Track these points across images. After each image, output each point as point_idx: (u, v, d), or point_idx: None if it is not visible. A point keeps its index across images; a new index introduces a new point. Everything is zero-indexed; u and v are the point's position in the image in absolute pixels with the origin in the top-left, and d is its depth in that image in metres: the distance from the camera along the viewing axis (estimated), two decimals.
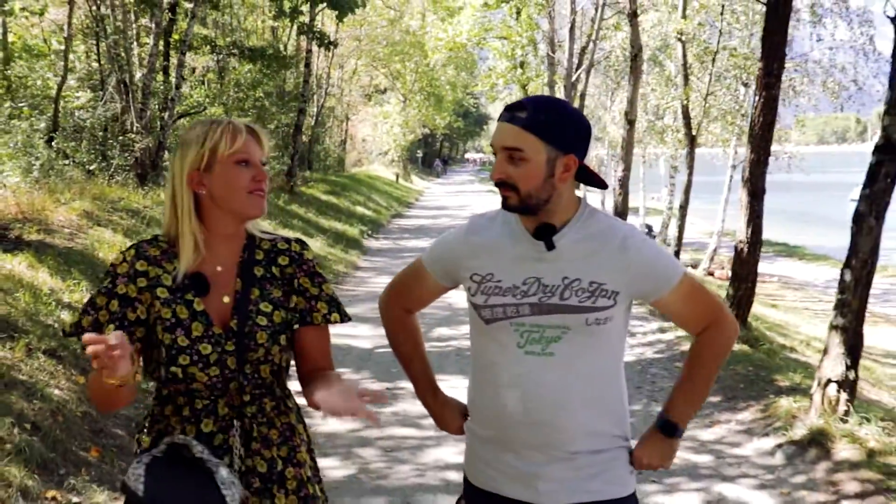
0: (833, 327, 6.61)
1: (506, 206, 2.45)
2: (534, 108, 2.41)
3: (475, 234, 2.62)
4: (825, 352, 6.66)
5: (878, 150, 6.36)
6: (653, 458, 2.57)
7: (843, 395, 6.37)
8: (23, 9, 19.42)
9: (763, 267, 26.19)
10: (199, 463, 2.26)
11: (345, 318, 2.54)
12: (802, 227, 37.80)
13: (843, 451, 5.96)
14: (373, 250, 20.74)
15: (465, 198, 44.19)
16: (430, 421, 6.85)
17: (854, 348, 6.47)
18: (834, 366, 6.46)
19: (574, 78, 26.07)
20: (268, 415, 2.45)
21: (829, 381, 6.44)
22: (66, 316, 7.60)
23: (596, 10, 25.55)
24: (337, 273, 15.96)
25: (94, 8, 18.54)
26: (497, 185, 2.44)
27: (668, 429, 2.56)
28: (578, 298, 2.43)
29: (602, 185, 2.57)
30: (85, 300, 2.35)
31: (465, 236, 2.64)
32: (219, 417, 2.39)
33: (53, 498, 4.89)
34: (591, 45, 26.24)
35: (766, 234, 23.21)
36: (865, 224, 6.35)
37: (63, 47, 20.15)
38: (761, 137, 9.02)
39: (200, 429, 2.36)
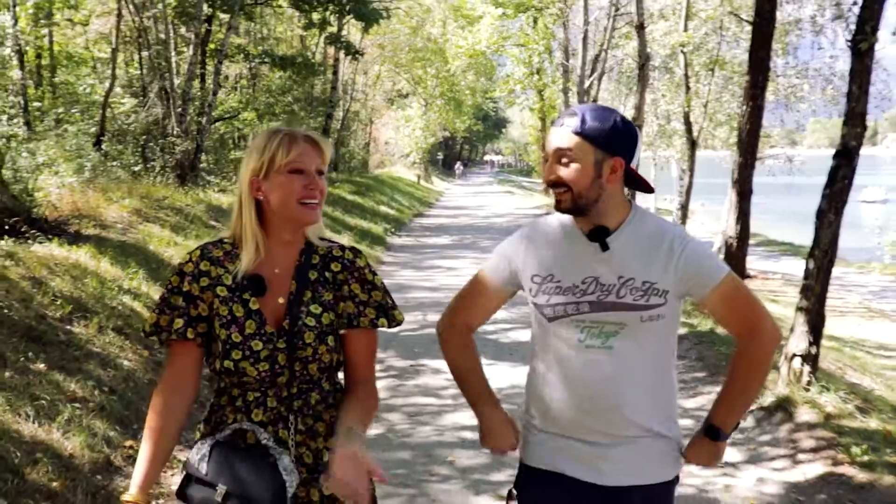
0: (798, 309, 7.38)
1: (559, 207, 2.58)
2: (584, 114, 2.54)
3: (533, 238, 2.74)
4: (791, 330, 7.42)
5: (836, 155, 7.10)
6: (701, 459, 2.71)
7: (806, 368, 7.13)
8: (68, 20, 20.22)
9: (768, 265, 26.86)
10: (262, 450, 2.38)
11: (392, 323, 2.61)
12: (811, 228, 37.82)
13: (805, 415, 6.71)
14: (396, 247, 21.21)
15: (483, 198, 44.37)
16: (449, 391, 7.71)
17: (816, 327, 7.23)
18: (798, 342, 7.23)
19: (587, 84, 26.50)
20: (314, 408, 2.52)
21: (795, 355, 7.21)
22: (128, 300, 8.40)
23: (608, 19, 26.07)
24: None
25: (137, 20, 19.23)
26: (552, 187, 2.56)
27: (711, 433, 2.66)
28: (633, 297, 2.55)
29: (649, 189, 2.68)
30: (157, 297, 2.56)
31: (523, 240, 2.75)
32: (268, 409, 2.47)
33: (130, 446, 5.65)
34: (603, 53, 26.69)
35: (777, 234, 23.38)
36: (826, 219, 7.10)
37: (107, 56, 20.94)
38: (748, 143, 9.70)
39: (251, 419, 2.46)
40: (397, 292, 13.42)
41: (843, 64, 23.59)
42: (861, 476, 5.61)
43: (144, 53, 19.93)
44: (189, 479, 2.41)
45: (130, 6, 18.76)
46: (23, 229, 9.71)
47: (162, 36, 19.10)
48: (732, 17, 21.44)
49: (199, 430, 2.56)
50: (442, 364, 8.33)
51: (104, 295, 8.10)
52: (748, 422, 6.89)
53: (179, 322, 2.48)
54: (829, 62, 23.50)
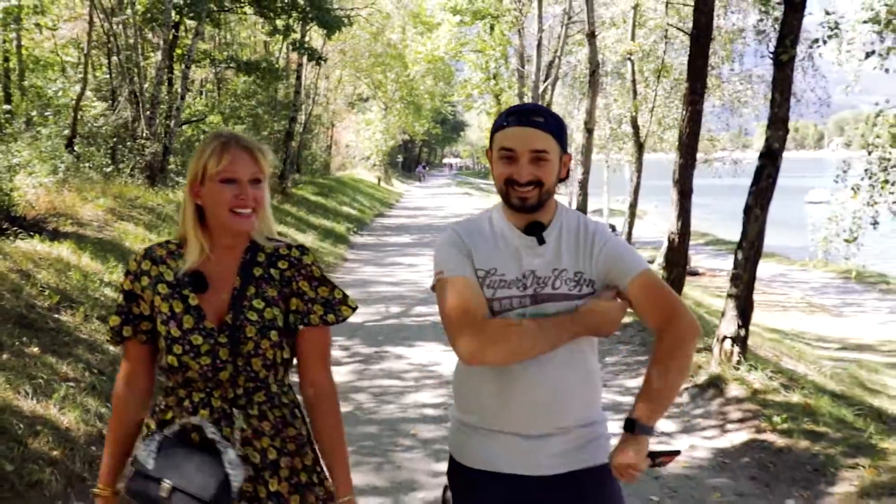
0: (728, 296, 7.98)
1: (524, 205, 2.57)
2: (546, 113, 2.59)
3: (471, 234, 2.69)
4: (723, 314, 8.01)
5: (761, 156, 7.70)
6: (624, 457, 2.46)
7: (736, 349, 7.72)
8: (37, 24, 20.35)
9: (716, 263, 27.58)
10: (209, 445, 2.40)
11: (339, 318, 2.60)
12: None
13: (734, 391, 7.29)
14: (358, 245, 21.72)
15: (442, 199, 45.00)
16: (412, 374, 8.23)
17: (745, 312, 7.83)
18: (729, 325, 7.82)
19: (542, 90, 27.04)
20: (260, 408, 2.52)
21: (725, 337, 7.81)
22: (109, 291, 8.78)
23: (562, 27, 26.58)
24: (328, 264, 16.99)
25: (106, 25, 19.44)
26: (522, 185, 2.54)
27: (629, 425, 2.48)
28: (567, 287, 2.59)
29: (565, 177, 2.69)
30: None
31: (462, 236, 2.69)
32: (214, 409, 2.47)
33: None
34: (557, 59, 27.19)
35: (725, 233, 23.94)
36: (752, 214, 7.70)
37: (75, 60, 21.11)
38: (688, 145, 10.23)
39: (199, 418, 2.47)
40: (360, 287, 14.06)
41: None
42: (780, 441, 6.19)
43: (114, 58, 20.05)
44: (136, 474, 2.42)
45: (100, 13, 18.97)
46: (4, 226, 10.05)
47: (131, 41, 19.31)
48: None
49: (146, 427, 2.57)
50: (404, 350, 8.90)
51: (87, 287, 8.49)
52: (684, 398, 7.45)
53: (117, 320, 2.55)
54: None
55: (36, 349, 6.52)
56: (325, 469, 2.60)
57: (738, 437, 6.49)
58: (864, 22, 11.07)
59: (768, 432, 6.35)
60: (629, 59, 22.23)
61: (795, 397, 7.11)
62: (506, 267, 2.60)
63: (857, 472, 5.54)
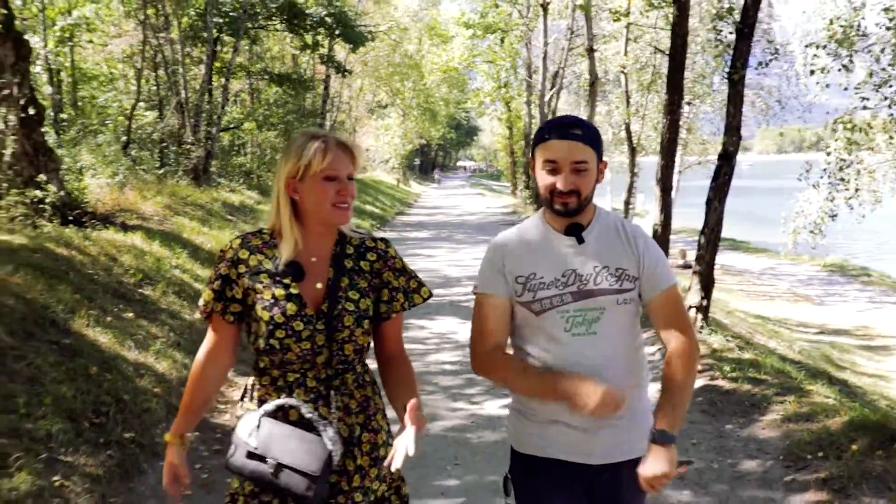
0: (693, 272, 9.22)
1: (566, 210, 2.64)
2: (585, 126, 2.65)
3: (508, 245, 2.79)
4: (689, 288, 9.23)
5: (719, 157, 8.91)
6: (659, 467, 2.54)
7: (699, 316, 8.95)
8: (90, 41, 21.52)
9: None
10: (306, 424, 2.50)
11: (412, 304, 2.72)
12: (753, 226, 39.07)
13: None
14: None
15: (457, 199, 45.68)
16: (432, 340, 9.44)
17: (706, 286, 9.08)
18: (693, 296, 9.07)
19: (547, 98, 28.03)
20: (349, 387, 2.61)
21: (691, 306, 9.03)
22: (178, 273, 10.03)
23: (566, 40, 27.65)
24: None
25: (154, 42, 20.57)
26: (563, 195, 2.62)
27: (664, 438, 2.57)
28: (609, 282, 2.65)
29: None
30: (199, 272, 2.96)
31: (500, 249, 2.80)
32: (308, 389, 2.56)
33: None
34: (561, 70, 28.22)
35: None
36: (712, 206, 8.93)
37: (120, 72, 22.25)
38: (668, 150, 11.38)
39: (294, 398, 2.56)
40: None
41: (770, 80, 25.45)
42: (728, 386, 7.40)
43: (161, 72, 21.13)
44: (239, 451, 2.51)
45: (149, 31, 20.13)
46: (83, 219, 11.28)
47: (177, 56, 20.44)
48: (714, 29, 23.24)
49: (242, 407, 2.67)
50: (426, 322, 10.14)
51: (161, 268, 9.72)
52: (657, 357, 8.64)
53: (210, 295, 2.63)
54: (758, 78, 25.18)
55: (131, 314, 7.76)
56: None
57: (696, 383, 7.68)
58: (807, 46, 12.26)
59: (720, 379, 7.55)
60: (622, 72, 23.28)
61: (747, 355, 8.33)
62: (545, 269, 2.69)
63: (784, 406, 6.75)
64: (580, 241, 2.67)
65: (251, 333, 2.61)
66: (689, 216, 28.98)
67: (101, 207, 12.61)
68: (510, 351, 2.81)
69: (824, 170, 13.25)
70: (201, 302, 2.65)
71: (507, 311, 2.75)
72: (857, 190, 12.59)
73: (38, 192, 10.88)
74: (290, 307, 2.51)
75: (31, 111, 11.48)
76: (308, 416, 2.48)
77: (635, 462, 2.62)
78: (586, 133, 2.61)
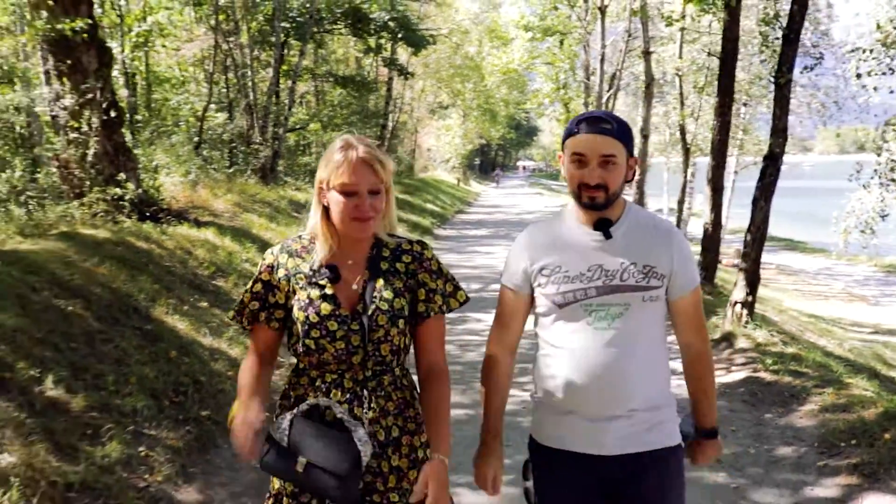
0: (739, 269, 9.41)
1: (594, 204, 2.60)
2: (615, 120, 2.60)
3: (535, 237, 2.79)
4: (735, 284, 9.43)
5: (764, 158, 9.09)
6: (709, 457, 2.88)
7: (745, 311, 9.16)
8: (164, 46, 22.20)
9: (767, 258, 28.29)
10: (338, 424, 2.45)
11: (449, 308, 2.68)
12: (812, 226, 38.66)
13: (741, 343, 8.72)
14: (441, 237, 23.25)
15: (515, 199, 45.95)
16: (487, 332, 9.81)
17: (752, 283, 9.27)
18: (739, 293, 9.27)
19: (605, 99, 28.11)
20: (385, 389, 2.56)
21: (737, 302, 9.24)
22: (248, 266, 10.49)
23: (624, 42, 27.67)
24: None
25: (224, 46, 21.17)
26: (592, 189, 2.58)
27: (711, 433, 2.84)
28: (635, 279, 2.61)
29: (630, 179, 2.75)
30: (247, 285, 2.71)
31: (527, 241, 2.79)
32: (345, 390, 2.53)
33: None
34: (619, 73, 28.28)
35: (773, 230, 24.93)
36: (759, 205, 9.11)
37: (189, 75, 22.89)
38: (719, 150, 11.58)
39: (331, 398, 2.51)
40: None
41: (827, 80, 25.23)
42: (769, 377, 7.63)
43: (230, 75, 21.74)
44: (271, 450, 2.47)
45: (220, 36, 20.72)
46: (159, 215, 11.79)
47: (247, 60, 21.01)
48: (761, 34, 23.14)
49: (279, 405, 2.64)
50: (482, 315, 10.49)
51: (232, 262, 10.19)
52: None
53: (255, 305, 2.60)
54: (816, 79, 24.97)
55: (205, 304, 8.21)
56: None
57: (738, 375, 7.91)
58: (851, 51, 12.30)
59: (762, 371, 7.78)
60: (677, 74, 23.31)
61: (790, 349, 8.52)
62: (570, 263, 2.66)
63: (822, 397, 6.95)
64: (608, 236, 2.63)
65: (291, 335, 2.59)
66: (746, 217, 28.84)
67: (175, 204, 13.12)
68: (539, 339, 2.79)
69: (875, 170, 13.30)
70: (231, 312, 2.67)
71: (522, 306, 2.79)
72: None
73: (118, 190, 11.40)
74: (325, 307, 2.50)
75: (113, 114, 12.04)
76: (339, 415, 2.44)
77: (653, 454, 2.65)
78: (615, 127, 2.56)
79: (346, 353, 2.49)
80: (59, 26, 10.89)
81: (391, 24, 22.70)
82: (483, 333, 9.80)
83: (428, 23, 33.22)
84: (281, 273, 2.58)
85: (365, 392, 2.52)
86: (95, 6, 12.81)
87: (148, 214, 11.65)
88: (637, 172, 20.53)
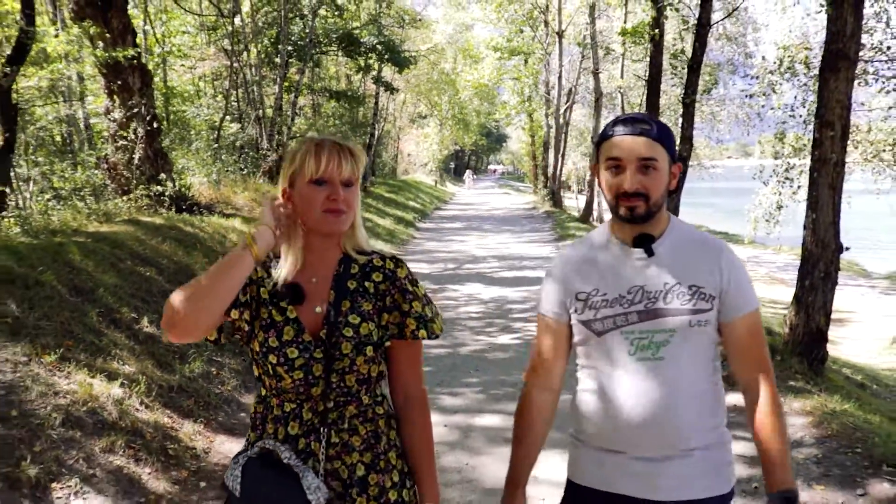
0: None
1: (633, 215, 2.13)
2: (654, 121, 2.16)
3: (572, 259, 2.32)
4: None
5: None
6: None
7: None
8: (182, 64, 23.40)
9: None
10: (289, 467, 2.03)
11: (432, 335, 2.17)
12: (744, 223, 40.17)
13: None
14: (423, 228, 24.61)
15: (487, 197, 47.05)
16: (463, 298, 11.35)
17: None
18: None
19: (563, 111, 29.60)
20: (349, 421, 2.12)
21: None
22: None
23: (579, 62, 29.19)
24: (402, 241, 19.96)
25: (236, 66, 22.42)
26: (629, 197, 2.12)
27: (791, 498, 2.13)
28: (680, 301, 2.13)
29: (675, 190, 2.46)
30: None
31: (561, 265, 2.34)
32: (303, 422, 2.11)
33: None
34: (574, 88, 29.80)
35: (713, 224, 25.77)
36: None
37: (205, 91, 24.08)
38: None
39: (288, 431, 2.11)
40: (427, 253, 17.28)
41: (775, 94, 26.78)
42: None
43: (241, 91, 23.03)
44: (229, 499, 2.10)
45: (232, 57, 21.98)
46: (193, 208, 13.15)
47: (255, 78, 22.30)
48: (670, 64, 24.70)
49: (247, 440, 2.23)
50: (458, 286, 11.94)
51: None
52: None
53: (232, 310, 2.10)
54: (742, 93, 26.50)
55: None
56: (415, 485, 2.23)
57: None
58: (744, 76, 13.81)
59: None
60: (619, 91, 24.82)
61: None
62: (609, 285, 2.22)
63: None
64: (650, 253, 2.18)
65: (253, 352, 2.16)
66: (683, 215, 30.38)
67: (203, 200, 14.45)
68: (578, 373, 2.36)
69: (773, 170, 14.80)
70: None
71: (562, 337, 2.33)
72: (799, 187, 14.07)
73: (158, 188, 12.75)
74: (287, 331, 2.08)
75: (155, 125, 13.39)
76: (286, 461, 2.03)
77: (718, 500, 2.22)
78: (655, 128, 2.14)
79: (305, 383, 2.08)
80: (113, 54, 12.19)
81: (379, 47, 24.00)
82: (459, 299, 11.30)
83: (409, 44, 34.44)
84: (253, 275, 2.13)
85: (322, 428, 2.10)
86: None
87: (184, 208, 13.02)
88: (589, 178, 21.62)
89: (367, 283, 2.16)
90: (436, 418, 5.85)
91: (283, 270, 2.12)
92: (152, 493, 4.54)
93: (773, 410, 2.16)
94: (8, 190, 10.10)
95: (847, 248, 7.02)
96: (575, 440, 2.37)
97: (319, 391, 2.08)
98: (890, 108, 13.01)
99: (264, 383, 2.16)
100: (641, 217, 2.13)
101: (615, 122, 2.19)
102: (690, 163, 31.15)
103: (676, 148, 2.27)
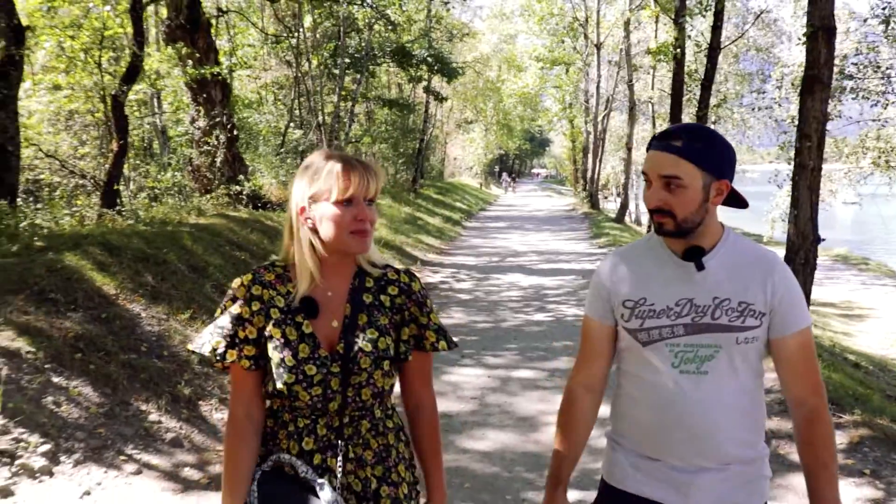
0: None
1: (660, 231, 2.08)
2: (688, 136, 2.02)
3: (620, 265, 2.24)
4: None
5: None
6: None
7: None
8: (248, 75, 24.93)
9: None
10: (304, 481, 1.99)
11: (451, 345, 2.17)
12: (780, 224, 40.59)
13: None
14: (469, 227, 25.88)
15: (529, 200, 48.29)
16: (505, 285, 12.80)
17: None
18: None
19: (600, 118, 30.73)
20: (363, 436, 2.08)
21: None
22: None
23: (617, 72, 30.28)
24: (450, 237, 21.37)
25: (298, 75, 23.91)
26: (653, 211, 2.06)
27: None
28: (729, 318, 2.05)
29: (744, 204, 2.16)
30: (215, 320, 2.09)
31: (611, 269, 2.25)
32: (318, 437, 2.04)
33: None
34: (611, 97, 30.91)
35: (745, 227, 26.46)
36: None
37: (268, 99, 25.61)
38: None
39: (302, 447, 2.04)
40: (473, 248, 18.82)
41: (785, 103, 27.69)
42: None
43: (303, 99, 24.52)
44: None
45: (295, 68, 23.48)
46: (266, 206, 14.66)
47: (317, 88, 23.78)
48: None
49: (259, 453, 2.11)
50: (500, 276, 13.51)
51: None
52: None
53: (220, 342, 2.05)
54: (770, 102, 27.45)
55: None
56: (419, 494, 2.21)
57: None
58: (751, 92, 14.91)
59: None
60: (650, 101, 25.91)
61: None
62: (656, 295, 2.11)
63: None
64: (699, 267, 2.08)
65: (266, 374, 2.08)
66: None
67: (273, 198, 15.92)
68: (618, 377, 2.30)
69: (788, 174, 15.82)
70: (207, 349, 2.06)
71: (606, 340, 2.26)
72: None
73: (237, 187, 14.29)
74: (303, 348, 2.02)
75: (234, 132, 14.93)
76: (303, 475, 1.99)
77: None
78: (684, 144, 2.01)
79: (323, 399, 2.02)
80: (202, 71, 13.74)
81: (429, 59, 25.38)
82: (502, 286, 12.61)
83: (456, 54, 35.72)
84: (255, 306, 2.06)
85: (339, 442, 2.06)
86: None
87: (259, 205, 14.54)
88: (624, 179, 22.69)
89: (382, 297, 2.11)
90: (480, 371, 7.26)
91: (300, 287, 2.05)
92: None
93: (827, 431, 2.09)
94: (122, 188, 11.67)
95: (823, 240, 8.11)
96: (613, 442, 2.31)
97: (336, 406, 2.03)
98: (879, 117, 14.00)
99: (274, 402, 2.08)
100: (671, 233, 2.06)
101: (655, 135, 2.13)
102: None
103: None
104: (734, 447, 2.10)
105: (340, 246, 2.01)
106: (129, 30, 11.51)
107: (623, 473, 2.22)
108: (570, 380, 2.33)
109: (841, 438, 5.34)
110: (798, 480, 4.62)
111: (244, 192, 14.45)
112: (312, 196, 1.99)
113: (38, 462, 4.21)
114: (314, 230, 2.01)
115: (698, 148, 2.00)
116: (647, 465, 2.17)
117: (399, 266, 2.23)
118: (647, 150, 2.10)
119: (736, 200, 2.14)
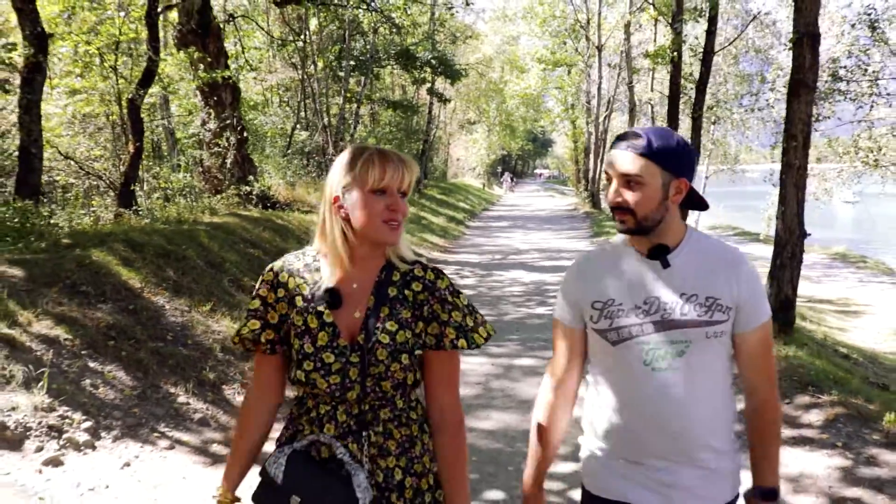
0: None
1: (622, 229, 2.13)
2: (649, 136, 2.07)
3: (587, 267, 2.26)
4: None
5: None
6: None
7: None
8: (254, 77, 25.32)
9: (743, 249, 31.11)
10: (338, 463, 2.00)
11: (472, 344, 2.08)
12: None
13: None
14: (472, 226, 26.24)
15: (531, 199, 48.45)
16: (508, 280, 13.22)
17: None
18: None
19: (601, 118, 31.08)
20: (385, 425, 2.06)
21: None
22: None
23: (617, 73, 30.64)
24: (454, 236, 21.74)
25: (304, 78, 24.35)
26: (613, 209, 2.12)
27: (771, 495, 2.19)
28: (697, 313, 2.07)
29: (704, 206, 2.19)
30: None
31: (578, 272, 2.28)
32: (338, 423, 2.05)
33: None
34: (612, 98, 31.26)
35: (748, 226, 26.59)
36: None
37: (273, 101, 25.99)
38: None
39: (323, 432, 2.05)
40: (476, 246, 19.09)
41: (778, 105, 28.00)
42: None
43: (308, 101, 24.92)
44: (264, 485, 2.06)
45: (300, 71, 23.92)
46: (276, 205, 15.06)
47: (324, 90, 24.20)
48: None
49: (282, 432, 2.16)
50: (503, 272, 13.90)
51: None
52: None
53: (256, 324, 2.11)
54: (766, 101, 27.72)
55: None
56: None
57: None
58: (735, 96, 15.28)
59: None
60: (649, 103, 26.27)
61: None
62: (624, 295, 2.14)
63: None
64: (665, 264, 2.11)
65: (291, 361, 2.10)
66: (714, 216, 31.50)
67: (281, 199, 16.32)
68: (591, 381, 2.33)
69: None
70: (246, 329, 2.12)
71: (577, 343, 2.29)
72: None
73: (247, 188, 14.69)
74: (322, 336, 2.02)
75: (243, 134, 15.33)
76: (340, 456, 1.99)
77: None
78: (646, 144, 2.05)
79: (341, 388, 2.02)
80: (213, 75, 14.15)
81: (433, 61, 25.80)
82: (504, 281, 13.00)
83: (459, 55, 36.13)
84: (280, 293, 2.09)
85: (362, 430, 2.05)
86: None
87: (268, 205, 14.95)
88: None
89: (406, 292, 2.09)
90: (485, 359, 7.64)
91: (329, 276, 2.06)
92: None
93: (773, 417, 2.20)
94: (138, 189, 12.09)
95: (809, 234, 8.50)
96: (589, 448, 2.32)
97: (355, 395, 2.02)
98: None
99: (299, 388, 2.11)
100: (631, 230, 2.11)
101: (617, 136, 2.18)
102: (723, 167, 32.73)
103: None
104: (710, 442, 2.14)
105: (372, 234, 2.01)
106: (144, 35, 11.91)
107: (605, 481, 2.25)
108: (543, 385, 2.37)
109: (818, 416, 5.77)
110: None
111: (254, 192, 14.87)
112: (347, 185, 2.01)
113: (82, 437, 4.62)
114: (346, 219, 2.02)
115: (657, 147, 2.04)
116: (628, 470, 2.20)
117: (427, 263, 2.18)
118: (609, 150, 2.17)
119: (697, 203, 2.18)
